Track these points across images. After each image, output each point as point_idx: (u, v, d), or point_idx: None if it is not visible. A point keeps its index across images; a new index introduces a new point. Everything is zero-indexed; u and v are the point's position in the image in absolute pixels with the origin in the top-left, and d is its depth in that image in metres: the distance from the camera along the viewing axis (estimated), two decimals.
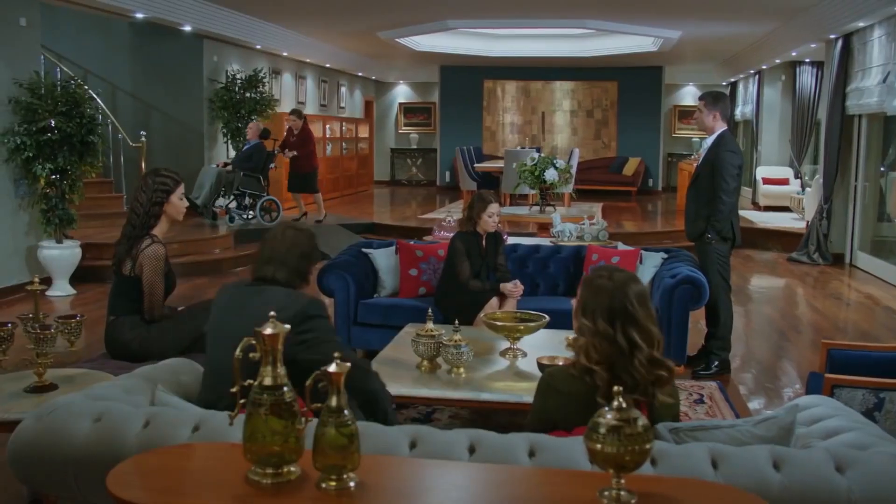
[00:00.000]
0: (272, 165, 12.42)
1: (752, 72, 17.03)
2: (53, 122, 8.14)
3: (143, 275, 4.29)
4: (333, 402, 1.96)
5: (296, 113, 12.93)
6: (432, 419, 4.94)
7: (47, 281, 8.51)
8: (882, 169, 11.12)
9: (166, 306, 4.54)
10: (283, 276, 3.21)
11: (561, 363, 4.10)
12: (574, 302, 2.77)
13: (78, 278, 8.61)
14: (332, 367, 1.95)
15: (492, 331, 4.64)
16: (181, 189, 4.44)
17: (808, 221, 11.86)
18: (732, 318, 6.11)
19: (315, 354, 2.92)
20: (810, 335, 7.42)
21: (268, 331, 1.99)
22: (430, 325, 4.39)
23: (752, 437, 2.50)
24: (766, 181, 15.77)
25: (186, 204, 4.54)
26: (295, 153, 12.66)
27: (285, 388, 2.01)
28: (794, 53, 13.95)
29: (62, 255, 8.50)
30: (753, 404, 5.50)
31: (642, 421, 1.86)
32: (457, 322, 4.43)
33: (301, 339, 2.98)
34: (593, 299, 2.63)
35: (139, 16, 10.30)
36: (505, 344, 4.62)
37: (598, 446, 1.86)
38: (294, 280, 3.25)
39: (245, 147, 12.30)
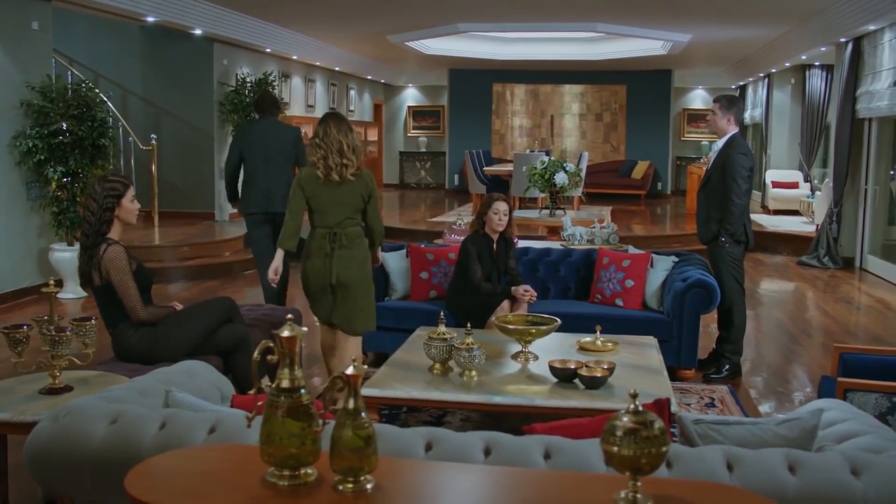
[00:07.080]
0: None
1: (761, 75, 17.00)
2: (65, 126, 8.19)
3: (112, 279, 4.26)
4: (351, 404, 1.97)
5: None
6: (443, 422, 4.95)
7: (59, 283, 8.52)
8: (892, 172, 11.10)
9: (163, 306, 4.54)
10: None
11: (573, 366, 4.12)
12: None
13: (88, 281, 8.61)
14: (350, 370, 1.96)
15: (503, 334, 4.64)
16: (132, 192, 4.39)
17: (818, 225, 11.83)
18: (745, 321, 6.10)
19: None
20: (821, 339, 7.40)
21: (285, 333, 2.00)
22: (442, 328, 4.40)
23: (775, 437, 2.50)
24: (776, 185, 15.74)
25: (138, 206, 4.48)
26: None
27: (302, 391, 2.02)
28: (803, 57, 13.92)
29: (73, 257, 8.50)
30: (764, 408, 5.49)
31: (658, 424, 1.87)
32: (469, 325, 4.45)
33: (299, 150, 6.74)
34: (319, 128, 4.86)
35: (150, 19, 10.34)
36: (516, 347, 4.62)
37: (615, 449, 1.86)
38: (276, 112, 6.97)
39: None
